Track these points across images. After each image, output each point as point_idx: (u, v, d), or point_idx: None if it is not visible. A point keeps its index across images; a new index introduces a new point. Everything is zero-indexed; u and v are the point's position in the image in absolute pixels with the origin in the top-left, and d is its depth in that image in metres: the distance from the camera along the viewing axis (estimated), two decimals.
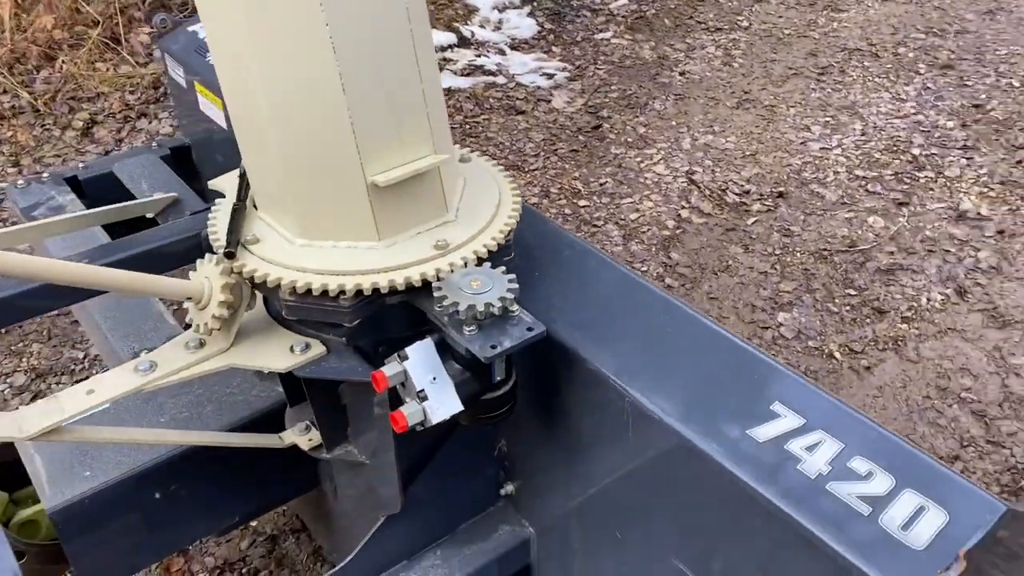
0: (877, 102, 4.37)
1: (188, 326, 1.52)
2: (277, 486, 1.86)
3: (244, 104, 1.42)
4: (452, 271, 1.40)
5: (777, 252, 3.33)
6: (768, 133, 4.14)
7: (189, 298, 1.41)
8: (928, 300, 3.05)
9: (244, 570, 2.22)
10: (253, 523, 2.32)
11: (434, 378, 1.36)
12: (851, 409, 1.29)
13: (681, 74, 4.72)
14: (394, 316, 1.47)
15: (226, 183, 1.63)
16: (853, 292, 3.10)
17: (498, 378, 1.42)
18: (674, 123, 4.25)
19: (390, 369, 1.35)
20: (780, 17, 5.36)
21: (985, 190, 3.64)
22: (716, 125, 4.22)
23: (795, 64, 4.79)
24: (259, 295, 1.54)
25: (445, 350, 1.40)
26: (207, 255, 1.44)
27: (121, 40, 4.41)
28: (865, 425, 1.25)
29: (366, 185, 1.38)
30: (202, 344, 1.45)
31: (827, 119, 4.24)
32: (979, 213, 3.49)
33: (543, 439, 1.64)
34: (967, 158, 3.86)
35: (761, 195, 3.68)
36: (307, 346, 1.47)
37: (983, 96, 4.37)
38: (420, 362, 1.36)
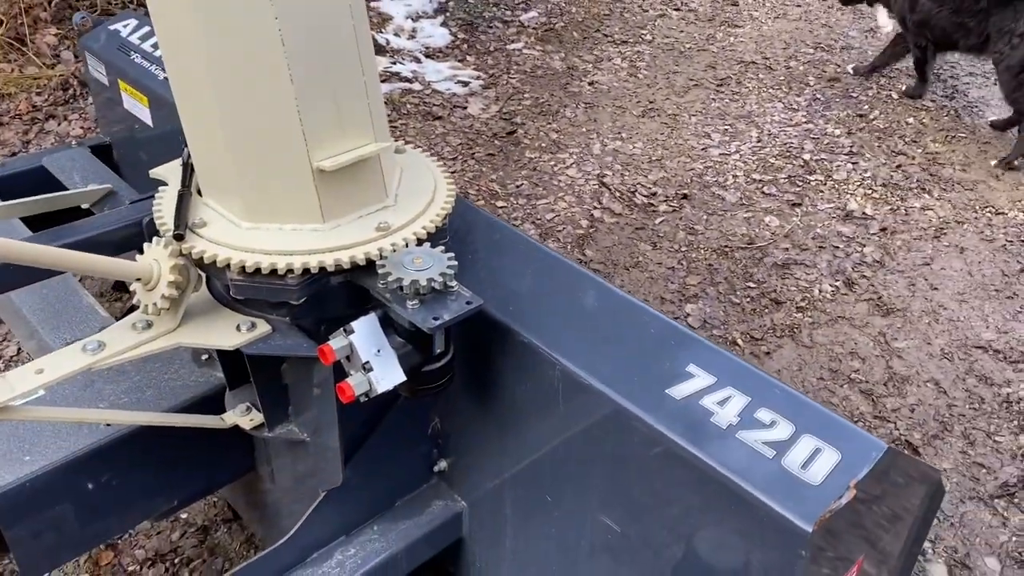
0: (771, 111, 4.66)
1: (125, 314, 1.56)
2: (215, 469, 1.91)
3: (192, 94, 1.49)
4: (395, 250, 1.49)
5: (683, 249, 3.53)
6: (672, 140, 4.37)
7: (138, 279, 1.46)
8: (820, 291, 3.30)
9: (176, 560, 2.24)
10: (183, 514, 2.34)
11: (378, 350, 1.46)
12: (756, 369, 1.44)
13: (590, 84, 4.92)
14: (337, 295, 1.56)
15: (168, 172, 1.68)
16: (753, 285, 3.33)
17: (438, 350, 1.53)
18: (584, 130, 4.44)
19: (336, 342, 1.44)
20: (681, 32, 5.64)
21: (869, 192, 3.95)
22: (624, 132, 4.43)
23: (696, 76, 5.05)
24: (202, 278, 1.60)
25: (388, 325, 1.49)
26: (155, 238, 1.49)
27: (27, 41, 4.31)
28: (768, 382, 1.41)
29: (312, 170, 1.47)
30: (149, 325, 1.50)
31: (726, 127, 4.50)
32: (864, 213, 3.79)
33: (476, 415, 1.75)
34: (853, 163, 4.17)
35: (667, 197, 3.88)
36: (253, 325, 1.54)
37: (866, 107, 4.72)
38: (365, 335, 1.45)
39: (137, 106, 2.56)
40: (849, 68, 5.12)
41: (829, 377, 2.89)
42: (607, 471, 1.51)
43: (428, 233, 1.56)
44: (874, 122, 4.55)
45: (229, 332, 1.53)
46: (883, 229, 3.67)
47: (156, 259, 1.47)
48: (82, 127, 3.99)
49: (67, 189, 2.09)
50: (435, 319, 1.41)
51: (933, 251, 3.55)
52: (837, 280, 3.36)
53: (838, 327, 3.12)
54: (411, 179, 1.70)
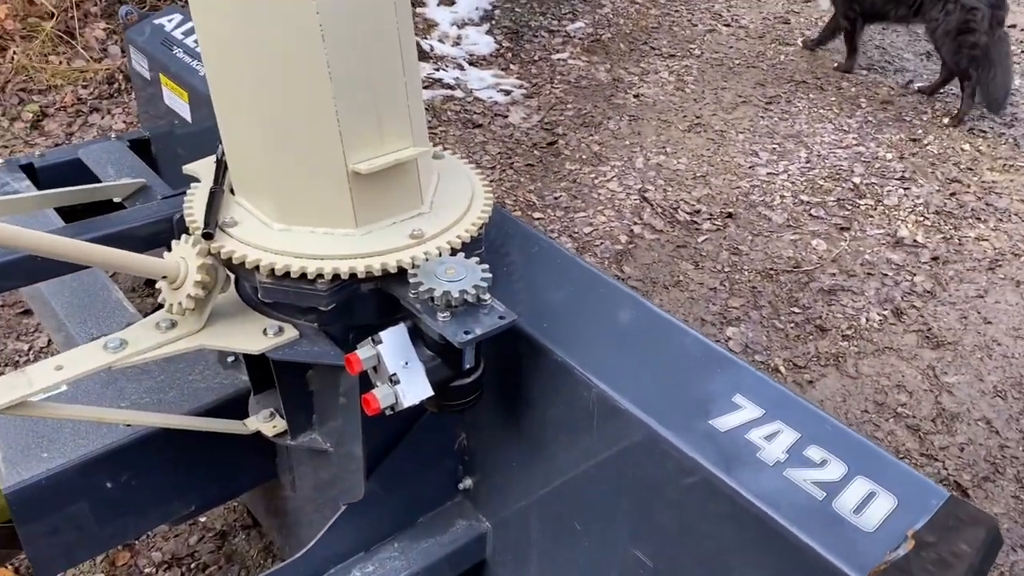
0: (821, 132, 4.54)
1: (151, 312, 1.52)
2: (235, 475, 1.86)
3: (228, 89, 1.44)
4: (427, 259, 1.43)
5: (726, 270, 3.43)
6: (718, 156, 4.27)
7: (164, 277, 1.42)
8: (867, 320, 3.18)
9: (192, 565, 2.20)
10: (202, 519, 2.30)
11: (406, 362, 1.39)
12: (806, 402, 1.35)
13: (635, 96, 4.84)
14: (366, 303, 1.50)
15: (201, 168, 1.64)
16: (797, 310, 3.22)
17: (468, 365, 1.46)
18: (628, 143, 4.36)
19: (364, 352, 1.38)
20: (731, 47, 5.54)
21: (921, 219, 3.82)
22: (668, 147, 4.34)
23: (744, 92, 4.95)
24: (231, 279, 1.55)
25: (417, 337, 1.43)
26: (183, 236, 1.45)
27: (75, 34, 4.34)
28: (820, 416, 1.32)
29: (347, 173, 1.41)
30: (174, 325, 1.46)
31: (774, 146, 4.39)
32: (915, 240, 3.66)
33: (505, 433, 1.67)
34: (904, 188, 4.04)
35: (711, 215, 3.79)
36: (280, 330, 1.48)
37: (920, 131, 4.58)
38: (393, 346, 1.39)
39: (177, 101, 2.54)
40: (799, 41, 5.61)
41: (874, 410, 2.77)
42: (640, 501, 1.42)
43: (463, 243, 1.49)
44: (928, 147, 4.42)
45: (255, 336, 1.48)
46: (935, 258, 3.54)
47: (183, 257, 1.42)
48: (125, 121, 4.00)
49: (101, 181, 2.06)
50: (466, 333, 1.34)
51: (987, 283, 3.41)
52: (885, 309, 3.24)
53: (885, 358, 3.00)
54: (448, 186, 1.64)
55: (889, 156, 4.32)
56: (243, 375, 1.74)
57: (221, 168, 1.58)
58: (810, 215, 3.82)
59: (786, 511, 1.18)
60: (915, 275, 3.44)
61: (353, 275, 1.40)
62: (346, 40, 1.34)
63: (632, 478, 1.42)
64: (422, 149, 1.49)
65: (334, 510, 1.68)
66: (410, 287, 1.39)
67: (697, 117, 4.64)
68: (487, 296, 1.39)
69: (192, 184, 1.60)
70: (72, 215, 2.00)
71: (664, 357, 1.44)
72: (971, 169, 4.23)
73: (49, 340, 2.80)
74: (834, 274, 3.43)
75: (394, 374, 1.37)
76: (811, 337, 3.09)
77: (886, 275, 3.44)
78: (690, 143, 4.39)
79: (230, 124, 1.48)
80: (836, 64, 5.35)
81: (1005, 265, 3.53)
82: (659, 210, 3.80)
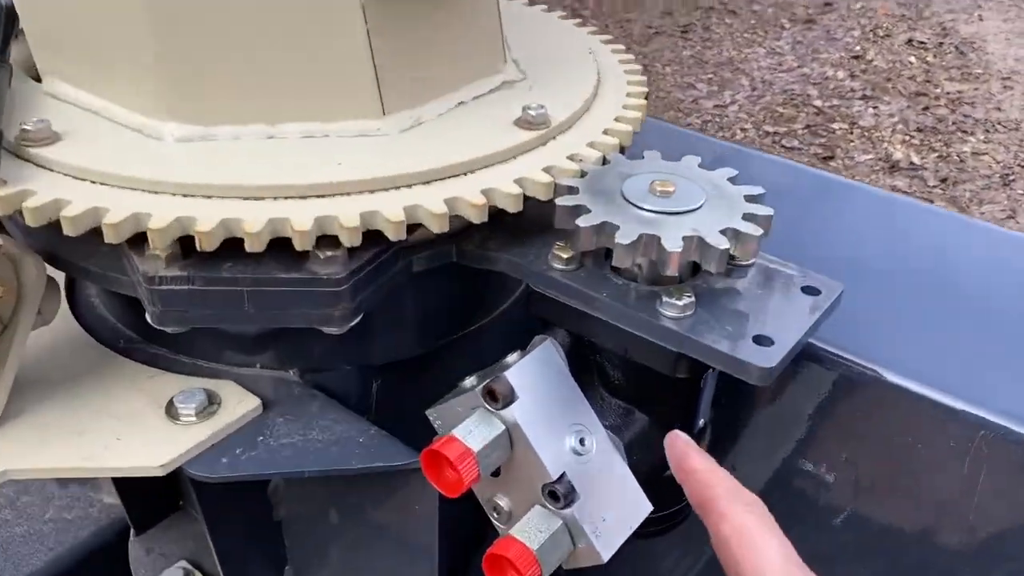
0: (754, 57, 3.93)
1: None
2: None
3: None
4: (583, 173, 0.57)
5: None
6: (653, 93, 3.56)
7: None
8: None
9: None
10: None
11: (580, 440, 0.54)
12: None
13: None
14: (411, 301, 0.62)
15: None
16: None
17: (703, 420, 0.62)
18: None
19: (470, 430, 0.51)
20: None
21: (907, 138, 3.26)
22: None
23: (653, 23, 4.28)
24: (60, 293, 0.63)
25: (585, 366, 0.58)
26: None
27: None
28: None
29: None
30: None
31: (709, 76, 3.74)
32: (912, 162, 3.09)
33: None
34: (873, 107, 3.48)
35: None
36: (209, 400, 0.58)
37: (857, 48, 4.06)
38: (541, 405, 0.53)
39: None
40: None
41: None
42: None
43: (633, 133, 0.65)
44: (874, 63, 3.89)
45: (152, 426, 0.57)
46: (943, 180, 2.98)
47: None
48: None
49: None
50: (759, 342, 0.51)
51: (1010, 202, 2.88)
52: None
53: None
54: (534, 37, 0.79)
55: (840, 75, 3.75)
56: (108, 496, 0.84)
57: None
58: (783, 147, 3.18)
59: None
60: (932, 202, 2.85)
61: (417, 225, 0.52)
62: None
63: None
64: None
65: None
66: (576, 239, 0.54)
67: None
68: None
69: None
70: None
71: None
72: (929, 81, 3.73)
73: None
74: None
75: (561, 477, 0.51)
76: None
77: None
78: None
79: None
80: None
81: (1018, 180, 3.01)
82: None
